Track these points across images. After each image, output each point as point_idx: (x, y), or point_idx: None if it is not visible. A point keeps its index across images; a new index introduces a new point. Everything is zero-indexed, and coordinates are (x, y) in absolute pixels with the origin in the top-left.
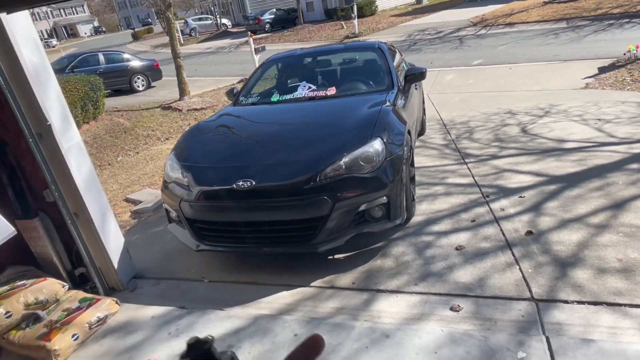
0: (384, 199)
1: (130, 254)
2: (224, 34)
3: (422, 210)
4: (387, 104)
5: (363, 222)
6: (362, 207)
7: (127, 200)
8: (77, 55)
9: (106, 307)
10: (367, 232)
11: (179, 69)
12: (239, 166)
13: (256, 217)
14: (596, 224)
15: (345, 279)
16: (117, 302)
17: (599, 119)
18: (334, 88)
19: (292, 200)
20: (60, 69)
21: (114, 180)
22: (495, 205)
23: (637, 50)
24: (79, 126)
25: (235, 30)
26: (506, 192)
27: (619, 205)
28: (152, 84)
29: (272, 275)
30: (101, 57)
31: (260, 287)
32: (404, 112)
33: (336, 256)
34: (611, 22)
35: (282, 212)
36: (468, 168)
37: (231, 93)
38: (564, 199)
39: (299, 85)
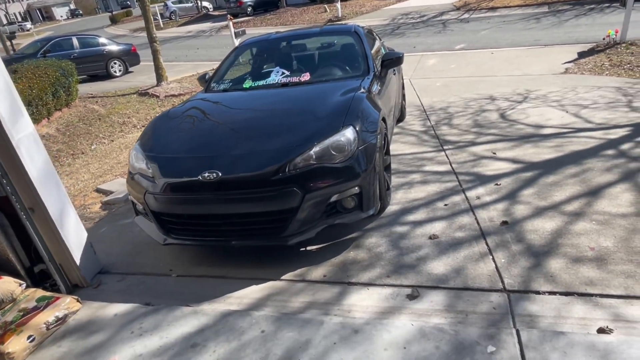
0: (356, 189)
1: (97, 248)
2: (205, 17)
3: (398, 199)
4: (362, 90)
5: (335, 213)
6: (334, 198)
7: (98, 190)
8: (49, 40)
9: (66, 305)
10: (339, 223)
11: (155, 54)
12: (205, 157)
13: (224, 209)
14: (571, 212)
15: (317, 271)
16: (78, 300)
17: (575, 105)
18: (308, 74)
19: (261, 192)
20: (32, 53)
21: (86, 170)
22: (472, 194)
23: (616, 35)
24: (50, 113)
25: (216, 13)
26: (483, 179)
27: (594, 193)
28: (130, 69)
29: (242, 268)
30: (75, 42)
31: (230, 282)
32: (380, 98)
33: (308, 248)
34: (592, 6)
35: (251, 204)
36: (446, 155)
37: (203, 79)
38: (539, 186)
39: (272, 71)
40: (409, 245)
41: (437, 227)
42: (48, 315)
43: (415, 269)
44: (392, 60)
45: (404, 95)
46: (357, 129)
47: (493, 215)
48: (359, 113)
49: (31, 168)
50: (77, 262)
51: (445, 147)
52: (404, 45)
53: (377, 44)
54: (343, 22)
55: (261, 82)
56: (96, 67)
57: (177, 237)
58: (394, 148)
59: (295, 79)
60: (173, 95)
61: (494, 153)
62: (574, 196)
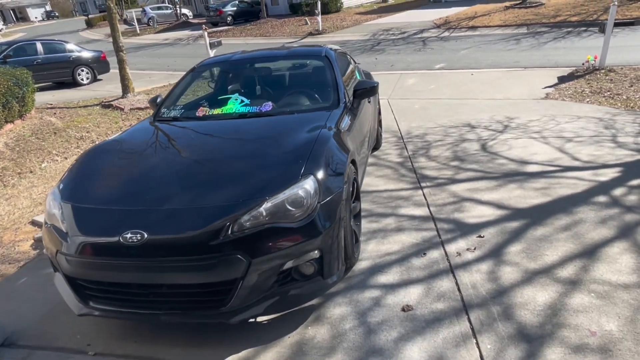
0: (316, 254)
1: (9, 306)
2: (184, 24)
3: (369, 252)
4: (327, 127)
5: (290, 282)
6: (288, 265)
7: (34, 222)
8: (11, 44)
9: None
10: (294, 294)
11: (121, 64)
12: (130, 210)
13: (149, 279)
14: (565, 279)
15: (267, 356)
16: None
17: (559, 137)
18: (270, 103)
19: (195, 260)
20: None
21: (28, 194)
22: (452, 248)
23: (595, 61)
24: (0, 126)
25: (195, 21)
26: (464, 229)
27: (589, 253)
28: (99, 76)
29: (176, 346)
30: (39, 47)
31: None
32: (350, 135)
33: (258, 319)
34: (569, 29)
35: (182, 274)
36: (424, 195)
37: (154, 102)
38: (528, 240)
39: (230, 98)
40: (379, 319)
41: (412, 294)
42: None
43: (384, 355)
44: (366, 90)
45: (380, 121)
46: (319, 178)
47: (476, 279)
48: (323, 158)
49: None
50: None
51: (423, 184)
52: (384, 62)
53: (351, 67)
54: (322, 35)
55: (217, 111)
56: (62, 74)
57: (96, 306)
58: (368, 182)
59: (255, 109)
60: (139, 109)
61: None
62: (567, 257)
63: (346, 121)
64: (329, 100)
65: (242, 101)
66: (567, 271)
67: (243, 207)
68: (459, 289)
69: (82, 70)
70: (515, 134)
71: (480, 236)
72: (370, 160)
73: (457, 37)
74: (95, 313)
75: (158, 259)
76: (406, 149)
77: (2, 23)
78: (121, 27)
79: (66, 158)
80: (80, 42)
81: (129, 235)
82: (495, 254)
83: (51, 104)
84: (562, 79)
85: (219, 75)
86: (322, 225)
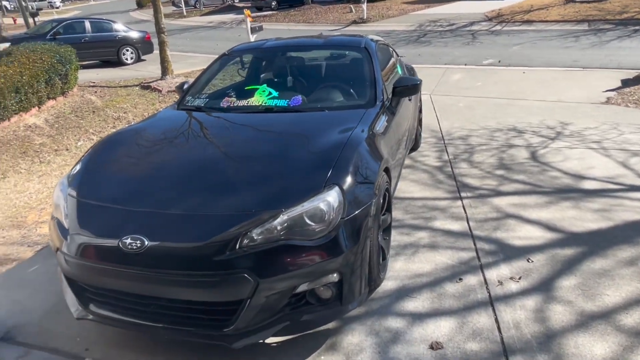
0: (335, 277)
1: (15, 296)
2: (230, 8)
3: (396, 270)
4: (360, 130)
5: (303, 306)
6: (302, 288)
7: None
8: (61, 21)
9: None
10: (306, 320)
11: (162, 46)
12: (133, 212)
13: (148, 290)
14: (630, 328)
15: None
16: None
17: (622, 149)
18: (299, 97)
19: (197, 275)
20: (41, 34)
21: (60, 173)
22: (492, 275)
23: None
24: (41, 102)
25: (241, 5)
26: (507, 252)
27: None
28: (142, 57)
29: None
30: (88, 25)
31: None
32: (384, 139)
33: (267, 340)
34: (637, 27)
35: (182, 289)
36: (463, 206)
37: (180, 88)
38: (584, 274)
39: (257, 90)
40: (402, 356)
41: (443, 329)
42: None
43: None
44: (407, 88)
45: (420, 120)
46: (345, 189)
47: (520, 317)
48: (351, 165)
49: None
50: None
51: (463, 194)
52: (429, 55)
53: (393, 60)
54: (366, 24)
55: (242, 102)
56: (107, 53)
57: (96, 311)
58: (401, 187)
59: (282, 104)
60: (175, 91)
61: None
62: (633, 299)
63: (382, 122)
64: (365, 97)
65: (269, 93)
66: (633, 318)
67: (255, 219)
68: (498, 328)
69: (127, 50)
70: (570, 142)
71: (529, 260)
72: (406, 161)
73: (509, 31)
74: (91, 317)
75: (157, 270)
76: (446, 152)
77: (61, 1)
78: (169, 9)
79: (102, 137)
80: (129, 22)
81: (128, 241)
82: (544, 287)
83: (93, 82)
84: (626, 83)
85: (249, 63)
86: (344, 245)
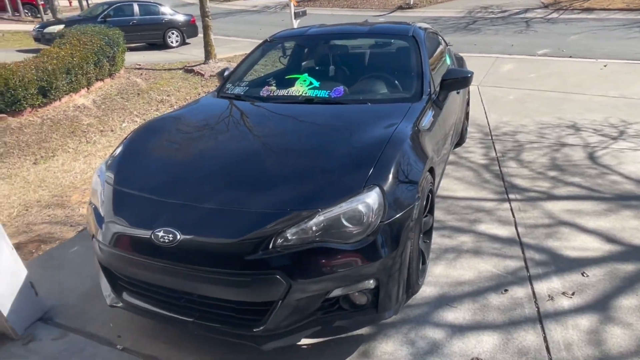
0: (371, 283)
1: (54, 278)
2: None
3: (436, 276)
4: (405, 125)
5: (336, 311)
6: (336, 293)
7: None
8: (112, 4)
9: None
10: (339, 326)
11: (206, 30)
12: (167, 204)
13: (179, 285)
14: None
15: None
16: None
17: None
18: (341, 88)
19: (227, 274)
20: (93, 17)
21: (104, 154)
22: (542, 288)
23: None
24: (90, 83)
25: None
26: (560, 263)
27: None
28: (187, 40)
29: (203, 355)
30: (136, 8)
31: None
32: (429, 135)
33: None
34: None
35: (213, 287)
36: (511, 210)
37: (221, 75)
38: None
39: (297, 79)
40: None
41: (485, 344)
42: None
43: None
44: (456, 82)
45: (467, 114)
46: (386, 190)
47: (572, 338)
48: (394, 164)
49: None
50: (5, 309)
51: (511, 196)
52: (478, 43)
53: (441, 50)
54: (413, 10)
55: (282, 92)
56: (154, 35)
57: (129, 300)
58: (444, 185)
59: (323, 95)
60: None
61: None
62: None
63: (428, 117)
64: (411, 90)
65: (310, 83)
66: None
67: (290, 218)
68: (547, 348)
69: (173, 33)
70: (635, 143)
71: (584, 274)
72: (450, 157)
73: (567, 19)
74: (123, 305)
75: (189, 266)
76: (494, 149)
77: None
78: None
79: (145, 120)
80: (175, 5)
81: (161, 234)
82: (601, 305)
83: (139, 65)
84: None
85: (291, 51)
86: (382, 250)
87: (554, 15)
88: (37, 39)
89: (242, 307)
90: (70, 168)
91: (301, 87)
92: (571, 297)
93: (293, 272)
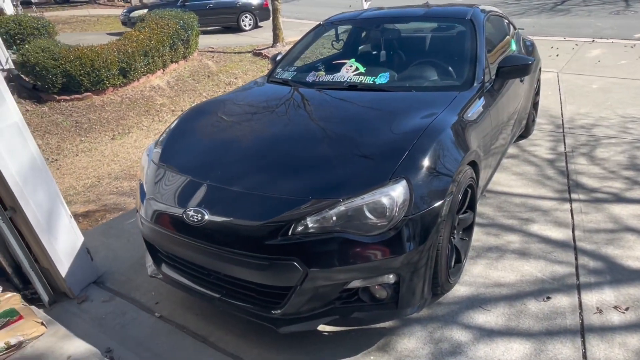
0: (391, 278)
1: (110, 246)
2: None
3: (474, 275)
4: (446, 115)
5: (354, 302)
6: (355, 284)
7: None
8: None
9: (24, 330)
10: (356, 317)
11: (275, 13)
12: (200, 184)
13: (206, 262)
14: None
15: None
16: (42, 324)
17: None
18: (387, 74)
19: (247, 256)
20: (173, 1)
21: None
22: (591, 299)
23: None
24: (165, 65)
25: None
26: (617, 273)
27: None
28: (260, 23)
29: (230, 333)
30: None
31: (205, 351)
32: (477, 127)
33: (320, 328)
34: None
35: (234, 267)
36: (571, 211)
37: (274, 59)
38: None
39: (344, 64)
40: None
41: (514, 353)
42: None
43: None
44: (514, 69)
45: (536, 104)
46: (414, 183)
47: (617, 357)
48: (427, 156)
49: (10, 164)
50: (64, 271)
51: (573, 196)
52: (564, 26)
53: (506, 35)
54: None
55: (327, 77)
56: (228, 19)
57: (166, 272)
58: (499, 179)
59: (368, 81)
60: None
61: None
62: None
63: (477, 107)
64: (462, 77)
65: (356, 69)
66: None
67: (311, 206)
68: None
69: (246, 17)
70: None
71: None
72: (511, 150)
73: None
74: (160, 277)
75: (214, 245)
76: (564, 143)
77: None
78: None
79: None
80: None
81: (191, 213)
82: None
83: (212, 48)
84: None
85: (342, 35)
86: (405, 245)
87: None
88: (124, 23)
89: (262, 290)
90: (141, 144)
91: (347, 73)
92: (624, 312)
93: (311, 260)
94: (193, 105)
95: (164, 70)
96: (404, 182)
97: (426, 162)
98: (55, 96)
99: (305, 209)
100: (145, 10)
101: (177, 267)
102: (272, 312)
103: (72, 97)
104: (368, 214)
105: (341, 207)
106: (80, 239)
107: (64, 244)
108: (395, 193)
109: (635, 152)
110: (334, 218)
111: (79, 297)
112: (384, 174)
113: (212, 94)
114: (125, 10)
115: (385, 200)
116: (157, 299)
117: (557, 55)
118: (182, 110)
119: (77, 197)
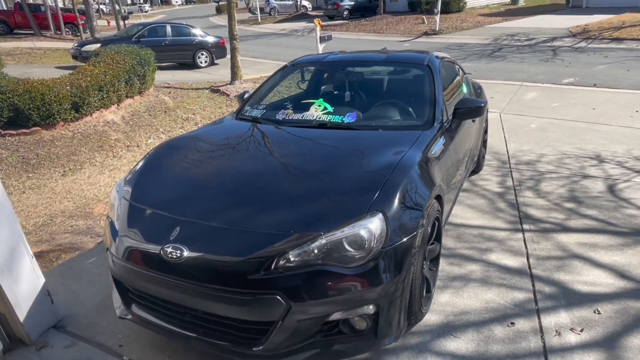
0: (371, 309)
1: (71, 287)
2: (302, 16)
3: (442, 304)
4: (413, 153)
5: (335, 334)
6: (336, 316)
7: None
8: (146, 25)
9: None
10: (337, 350)
11: (233, 52)
12: (177, 220)
13: (184, 300)
14: None
15: None
16: None
17: None
18: (354, 114)
19: (229, 292)
20: (128, 37)
21: (128, 168)
22: (550, 322)
23: None
24: (120, 100)
25: (313, 13)
26: (570, 298)
27: None
28: (216, 61)
29: None
30: (169, 29)
31: None
32: (439, 163)
33: None
34: None
35: (215, 304)
36: (524, 240)
37: (241, 98)
38: None
39: (312, 104)
40: None
41: None
42: None
43: None
44: (469, 111)
45: (485, 142)
46: (390, 216)
47: None
48: (399, 191)
49: None
50: (22, 315)
51: (525, 226)
52: (502, 70)
53: (458, 78)
54: (438, 36)
55: (297, 116)
56: (184, 55)
57: (137, 312)
58: (457, 212)
59: (336, 120)
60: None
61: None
62: None
63: (438, 145)
64: (423, 117)
65: (325, 108)
66: None
67: (293, 240)
68: None
69: (202, 54)
70: None
71: (596, 311)
72: (465, 185)
73: (595, 49)
74: (131, 317)
75: (194, 282)
76: (511, 178)
77: (149, 5)
78: (245, 15)
79: (170, 137)
80: (208, 27)
81: (169, 250)
82: (610, 344)
83: (168, 83)
84: None
85: (309, 76)
86: (383, 276)
87: (582, 44)
88: (75, 57)
89: (243, 326)
90: (95, 181)
91: (316, 112)
92: (579, 334)
93: (293, 293)
94: (163, 141)
95: (118, 105)
96: (380, 215)
97: (399, 196)
98: (0, 130)
99: (287, 243)
100: (98, 45)
101: (150, 307)
102: (253, 349)
103: (19, 131)
104: (347, 247)
105: (322, 240)
106: (41, 280)
107: (24, 286)
108: (373, 225)
109: (573, 185)
110: (316, 251)
111: (37, 344)
112: (361, 207)
113: (169, 129)
114: (76, 44)
115: (363, 233)
116: (125, 343)
117: (492, 98)
118: (137, 146)
119: (29, 237)
